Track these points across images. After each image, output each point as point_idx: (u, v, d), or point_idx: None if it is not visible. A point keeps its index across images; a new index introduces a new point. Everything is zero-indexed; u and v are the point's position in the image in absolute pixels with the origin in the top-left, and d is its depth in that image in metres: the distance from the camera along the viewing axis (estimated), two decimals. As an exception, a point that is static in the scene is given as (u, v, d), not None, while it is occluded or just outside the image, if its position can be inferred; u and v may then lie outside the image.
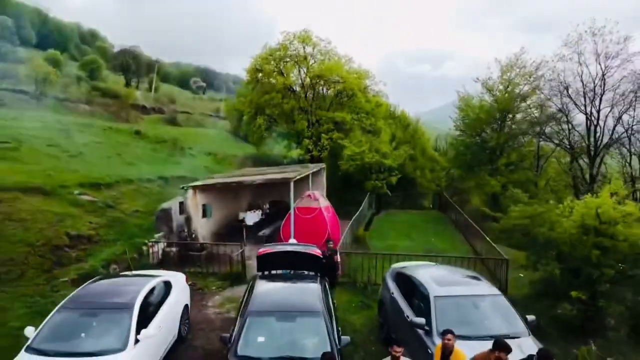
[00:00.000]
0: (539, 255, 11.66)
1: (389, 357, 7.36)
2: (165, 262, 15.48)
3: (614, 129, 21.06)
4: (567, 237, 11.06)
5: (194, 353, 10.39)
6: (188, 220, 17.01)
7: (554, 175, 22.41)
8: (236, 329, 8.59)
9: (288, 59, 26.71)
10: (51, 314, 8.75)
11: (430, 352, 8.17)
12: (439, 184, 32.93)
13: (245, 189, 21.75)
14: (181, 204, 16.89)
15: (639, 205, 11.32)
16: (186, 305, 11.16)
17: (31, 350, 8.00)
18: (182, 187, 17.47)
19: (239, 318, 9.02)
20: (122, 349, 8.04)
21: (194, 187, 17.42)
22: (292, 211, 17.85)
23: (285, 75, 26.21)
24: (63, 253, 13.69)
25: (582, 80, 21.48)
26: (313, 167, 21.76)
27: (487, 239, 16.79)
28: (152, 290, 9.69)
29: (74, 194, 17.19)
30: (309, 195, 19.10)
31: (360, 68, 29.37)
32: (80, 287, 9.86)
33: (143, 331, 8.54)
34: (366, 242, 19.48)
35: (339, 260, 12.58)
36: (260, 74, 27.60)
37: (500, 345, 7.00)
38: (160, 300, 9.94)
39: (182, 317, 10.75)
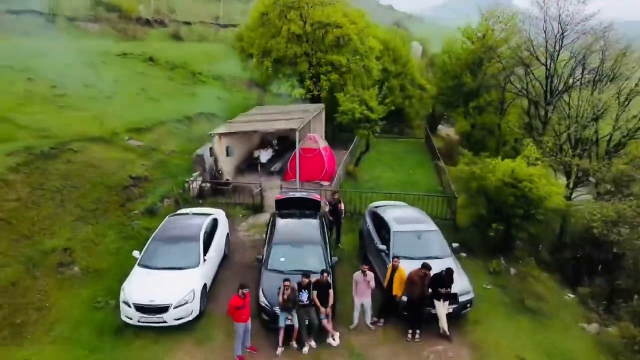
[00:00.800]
0: (473, 199, 16.34)
1: (359, 271, 12.29)
2: (201, 195, 20.25)
3: (567, 79, 24.74)
4: (492, 188, 15.63)
5: (235, 266, 15.39)
6: (216, 160, 21.52)
7: (515, 119, 26.35)
8: (265, 253, 13.52)
9: (291, 4, 29.45)
10: (147, 243, 13.57)
11: (384, 271, 13.10)
12: (426, 112, 37.00)
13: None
14: (211, 149, 21.27)
15: (544, 166, 15.78)
16: (227, 234, 16.04)
17: (141, 265, 12.89)
18: (210, 134, 21.76)
19: (266, 245, 13.94)
20: (197, 265, 12.94)
21: (219, 134, 21.71)
22: (297, 152, 22.26)
23: (289, 21, 29.14)
24: (130, 191, 18.35)
25: (545, 37, 24.84)
26: (313, 111, 25.79)
27: (448, 177, 21.43)
28: (207, 226, 14.45)
29: (125, 140, 21.56)
30: (310, 138, 23.40)
31: (357, 9, 32.19)
32: (161, 224, 14.63)
33: (207, 255, 13.46)
34: (356, 175, 24.16)
35: (342, 207, 17.04)
36: (266, 17, 30.46)
37: (425, 266, 11.88)
38: (212, 232, 14.72)
39: (225, 242, 15.68)
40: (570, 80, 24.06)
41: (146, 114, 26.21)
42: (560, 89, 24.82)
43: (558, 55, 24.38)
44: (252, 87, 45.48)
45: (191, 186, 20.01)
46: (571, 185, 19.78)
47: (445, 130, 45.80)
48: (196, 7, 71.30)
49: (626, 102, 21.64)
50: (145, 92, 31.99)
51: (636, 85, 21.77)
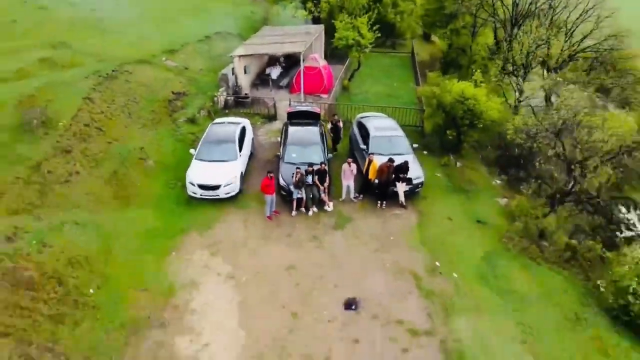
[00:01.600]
0: (434, 112, 21.66)
1: (346, 162, 18.01)
2: (226, 107, 25.49)
3: (530, 4, 28.66)
4: (448, 104, 20.87)
5: (259, 161, 21.05)
6: (236, 78, 26.45)
7: (484, 41, 30.41)
8: (282, 151, 19.18)
9: None
10: (199, 144, 19.09)
11: (364, 162, 18.81)
12: (414, 30, 40.72)
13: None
14: (232, 69, 26.10)
15: (490, 87, 20.90)
16: (252, 137, 21.57)
17: (197, 159, 18.53)
18: (231, 56, 26.45)
19: (282, 146, 19.54)
20: (235, 159, 18.58)
21: (239, 56, 26.40)
22: (301, 70, 27.09)
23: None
24: (174, 104, 23.59)
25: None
26: (314, 33, 30.12)
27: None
28: (239, 132, 19.90)
29: (162, 61, 26.35)
30: (312, 58, 28.08)
31: None
32: (206, 130, 20.05)
33: (241, 152, 19.10)
34: (349, 89, 29.16)
35: (341, 125, 22.16)
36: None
37: (390, 159, 17.57)
38: (243, 136, 20.16)
39: (252, 143, 21.26)
40: (533, 7, 28.11)
41: (172, 35, 30.57)
42: (523, 14, 28.91)
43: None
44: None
45: (218, 99, 25.20)
46: (516, 102, 24.87)
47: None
48: None
49: (571, 29, 26.03)
50: (164, 12, 35.85)
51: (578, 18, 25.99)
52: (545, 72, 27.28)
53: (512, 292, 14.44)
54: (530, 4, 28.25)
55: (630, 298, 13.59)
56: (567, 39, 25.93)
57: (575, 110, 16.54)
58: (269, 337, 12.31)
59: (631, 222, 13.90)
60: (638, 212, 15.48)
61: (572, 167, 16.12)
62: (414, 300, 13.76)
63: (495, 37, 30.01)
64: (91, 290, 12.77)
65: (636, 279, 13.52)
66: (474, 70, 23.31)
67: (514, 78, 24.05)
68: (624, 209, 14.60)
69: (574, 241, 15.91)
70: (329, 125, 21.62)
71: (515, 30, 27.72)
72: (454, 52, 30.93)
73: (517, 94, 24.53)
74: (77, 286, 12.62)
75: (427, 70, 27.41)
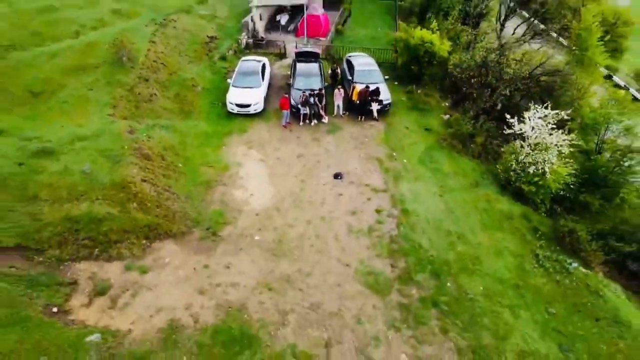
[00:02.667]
0: (402, 51, 28.36)
1: (337, 89, 25.12)
2: (247, 48, 32.01)
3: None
4: (412, 46, 27.52)
5: (275, 87, 27.91)
6: (254, 24, 32.78)
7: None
8: (292, 80, 26.18)
9: None
10: (234, 75, 25.96)
11: (349, 89, 25.89)
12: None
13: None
14: (251, 17, 32.38)
15: (443, 34, 27.56)
16: (270, 71, 28.40)
17: (233, 86, 25.52)
18: (250, 6, 32.60)
19: (291, 77, 26.51)
20: (260, 86, 25.58)
21: (256, 6, 32.55)
22: (304, 17, 33.34)
23: None
24: (209, 45, 30.16)
25: None
26: (315, -15, 36.02)
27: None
28: (261, 66, 26.74)
29: (198, 12, 32.55)
30: (313, 7, 34.22)
31: None
32: (238, 64, 26.83)
33: (263, 81, 26.09)
34: (342, 32, 35.50)
35: (338, 71, 28.76)
36: None
37: (367, 86, 24.70)
38: (264, 69, 27.00)
39: (270, 75, 28.13)
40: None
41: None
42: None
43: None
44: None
45: (241, 42, 31.72)
46: (469, 44, 31.34)
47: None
48: None
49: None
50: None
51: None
52: (495, 20, 33.68)
53: (439, 170, 22.08)
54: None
55: (511, 173, 21.22)
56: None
57: (490, 51, 23.41)
58: (288, 192, 19.99)
59: (512, 123, 21.10)
60: (518, 118, 22.39)
61: (487, 90, 23.22)
62: (377, 173, 21.40)
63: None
64: (180, 165, 20.34)
65: (514, 161, 21.07)
66: (434, 19, 29.78)
67: (466, 26, 30.52)
68: (508, 116, 21.66)
69: (481, 139, 23.40)
70: (329, 71, 28.26)
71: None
72: (426, 1, 36.88)
73: (470, 37, 31.04)
74: (172, 161, 20.17)
75: (403, 19, 33.69)
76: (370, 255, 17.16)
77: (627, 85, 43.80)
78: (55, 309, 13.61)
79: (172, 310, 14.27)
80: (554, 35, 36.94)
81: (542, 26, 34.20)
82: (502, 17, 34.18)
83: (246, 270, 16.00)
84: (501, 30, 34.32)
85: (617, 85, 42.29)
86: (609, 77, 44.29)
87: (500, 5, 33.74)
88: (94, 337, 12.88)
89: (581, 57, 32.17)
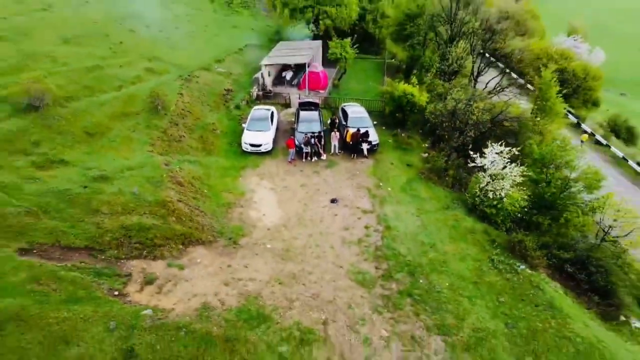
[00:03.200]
0: (389, 102, 33.37)
1: (333, 132, 29.90)
2: (258, 99, 37.12)
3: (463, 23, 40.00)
4: (397, 97, 32.54)
5: (281, 131, 32.69)
6: (263, 79, 38.09)
7: (430, 54, 41.72)
8: (296, 124, 31.07)
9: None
10: (248, 120, 30.83)
11: (344, 132, 30.71)
12: (389, 38, 52.16)
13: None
14: (261, 73, 37.72)
15: (424, 87, 32.73)
16: (277, 117, 33.26)
17: (247, 130, 30.27)
18: (260, 65, 38.00)
19: (296, 122, 31.38)
20: (269, 130, 30.36)
21: (265, 65, 37.96)
22: (306, 73, 38.69)
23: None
24: (226, 97, 35.25)
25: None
26: (315, 47, 41.68)
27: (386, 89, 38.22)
28: (270, 113, 31.64)
29: (215, 68, 37.95)
30: (314, 66, 39.69)
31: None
32: (251, 111, 31.80)
33: (272, 126, 30.92)
34: (338, 86, 40.81)
35: (336, 120, 33.68)
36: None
37: (358, 129, 29.48)
38: (272, 116, 31.86)
39: (277, 120, 32.99)
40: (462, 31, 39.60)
41: (217, 48, 42.18)
42: (454, 37, 40.38)
43: (454, 18, 39.52)
44: (269, 12, 59.61)
45: (252, 94, 36.87)
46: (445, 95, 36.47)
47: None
48: None
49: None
50: (207, 29, 47.37)
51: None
52: (471, 77, 39.07)
53: (417, 196, 26.39)
54: (459, 29, 39.80)
55: (476, 199, 25.48)
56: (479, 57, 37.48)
57: (459, 102, 28.39)
58: (293, 212, 24.20)
59: (475, 158, 25.58)
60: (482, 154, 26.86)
61: (456, 133, 27.96)
62: (365, 199, 25.70)
63: (439, 50, 41.62)
64: (205, 190, 24.68)
65: (478, 189, 25.39)
66: (415, 75, 35.05)
67: (441, 80, 35.75)
68: (472, 152, 26.19)
69: (452, 172, 27.90)
70: (329, 120, 33.10)
71: (449, 47, 39.28)
72: (410, 60, 42.41)
73: (445, 90, 36.19)
74: (199, 187, 24.53)
75: (391, 75, 39.15)
76: (359, 260, 21.19)
77: (592, 132, 48.93)
78: (116, 292, 17.54)
79: (204, 296, 18.17)
80: (519, 89, 42.29)
81: (513, 78, 39.44)
82: (476, 73, 39.58)
83: (261, 269, 19.99)
84: (475, 84, 39.63)
85: (584, 132, 47.45)
86: (578, 125, 49.44)
87: (472, 64, 39.17)
88: (148, 312, 16.74)
89: (543, 106, 37.25)
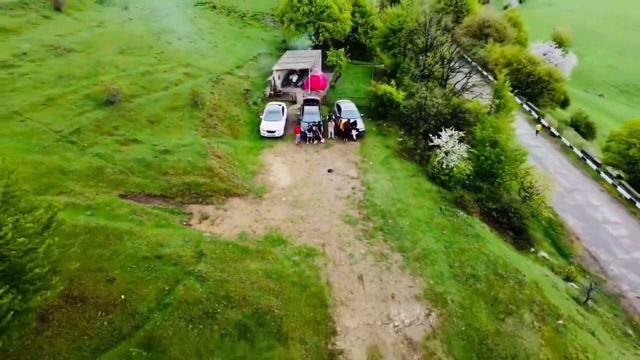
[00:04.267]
0: (373, 99, 41.37)
1: (330, 121, 38.03)
2: (270, 97, 45.11)
3: (434, 40, 48.02)
4: (379, 95, 40.53)
5: (290, 121, 40.69)
6: (275, 81, 46.09)
7: (409, 61, 49.82)
8: (301, 116, 39.17)
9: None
10: (264, 112, 38.87)
11: (338, 122, 38.83)
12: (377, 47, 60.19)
13: (290, 63, 50.08)
14: (273, 77, 45.71)
15: (401, 87, 40.72)
16: (287, 111, 41.28)
17: (264, 120, 38.30)
18: (272, 70, 45.96)
19: (301, 114, 39.50)
20: (281, 120, 38.41)
21: (276, 70, 45.94)
22: (309, 77, 46.68)
23: (304, 5, 51.65)
24: (246, 95, 43.23)
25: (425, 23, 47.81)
26: (316, 55, 49.69)
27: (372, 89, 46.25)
28: (282, 107, 39.69)
29: (236, 73, 45.97)
30: (314, 70, 47.69)
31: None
32: (266, 106, 39.80)
33: (283, 117, 39.02)
34: (335, 87, 48.83)
35: (333, 116, 41.88)
36: (292, 2, 52.88)
37: (348, 119, 37.59)
38: (283, 110, 39.88)
39: (287, 113, 41.00)
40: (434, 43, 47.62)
41: (236, 56, 50.17)
42: (429, 46, 48.37)
43: (428, 33, 47.50)
44: (277, 24, 67.57)
45: (265, 93, 44.85)
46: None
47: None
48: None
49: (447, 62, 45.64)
50: (226, 40, 55.38)
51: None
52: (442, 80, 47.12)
53: (392, 168, 34.40)
54: (432, 41, 47.84)
55: (434, 169, 33.46)
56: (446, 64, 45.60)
57: (424, 98, 36.53)
58: (300, 178, 32.18)
59: (433, 139, 33.65)
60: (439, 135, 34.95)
61: (422, 122, 36.06)
62: (353, 169, 33.70)
63: (417, 58, 49.67)
64: (236, 162, 32.71)
65: (436, 162, 33.38)
66: (397, 78, 43.09)
67: (417, 82, 43.86)
68: (431, 135, 34.32)
69: (419, 150, 35.97)
70: (327, 114, 40.92)
71: (423, 57, 47.32)
72: (393, 66, 50.41)
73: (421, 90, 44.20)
74: (232, 160, 32.54)
75: (378, 78, 47.30)
76: (347, 208, 29.21)
77: (549, 125, 56.88)
78: (184, 223, 25.57)
79: (241, 227, 26.18)
80: (481, 87, 50.35)
81: (487, 79, 47.45)
82: (445, 76, 47.60)
83: (278, 213, 28.03)
84: (445, 85, 47.62)
85: (539, 123, 55.29)
86: (538, 120, 57.41)
87: (442, 69, 47.19)
88: (207, 234, 24.81)
89: (499, 103, 45.29)
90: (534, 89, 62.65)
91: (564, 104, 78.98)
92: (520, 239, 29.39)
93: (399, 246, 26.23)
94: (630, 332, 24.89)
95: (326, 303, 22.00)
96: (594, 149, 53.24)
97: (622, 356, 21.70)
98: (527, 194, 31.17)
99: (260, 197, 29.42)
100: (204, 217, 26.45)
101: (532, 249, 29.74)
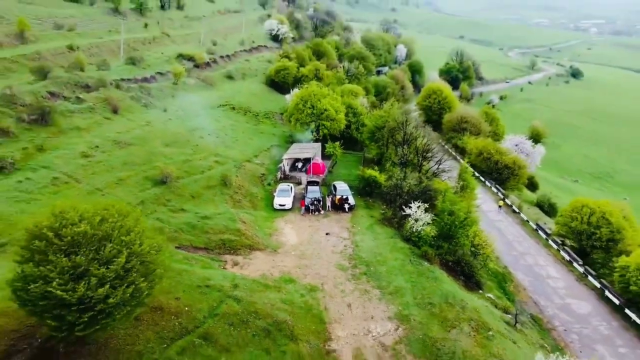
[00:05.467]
0: (362, 182, 51.90)
1: (328, 197, 48.27)
2: (280, 179, 55.74)
3: (409, 135, 59.82)
4: (366, 177, 51.10)
5: (297, 198, 50.73)
6: (284, 167, 57.06)
7: (392, 151, 61.56)
8: (305, 193, 49.53)
9: (307, 99, 65.00)
10: (277, 190, 49.23)
11: (334, 198, 49.06)
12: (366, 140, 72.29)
13: (296, 153, 61.44)
14: (283, 164, 56.74)
15: (384, 172, 51.50)
16: (294, 190, 51.61)
17: (276, 197, 48.52)
18: (282, 158, 57.11)
19: (305, 193, 49.87)
20: (289, 196, 48.61)
21: (285, 158, 57.12)
22: (311, 164, 57.71)
23: (307, 107, 64.51)
24: (262, 178, 53.84)
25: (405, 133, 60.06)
26: (317, 147, 61.29)
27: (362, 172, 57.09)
28: (290, 187, 50.11)
29: (254, 161, 57.10)
30: (316, 159, 58.88)
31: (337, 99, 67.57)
32: (278, 186, 50.29)
33: (291, 194, 49.30)
34: (332, 172, 59.69)
35: (332, 196, 52.44)
36: (298, 104, 65.81)
37: (341, 196, 47.86)
38: (291, 189, 50.23)
39: (294, 191, 51.30)
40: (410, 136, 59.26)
41: (253, 147, 61.75)
42: (406, 140, 60.02)
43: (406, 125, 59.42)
44: (284, 122, 79.94)
45: (277, 176, 55.51)
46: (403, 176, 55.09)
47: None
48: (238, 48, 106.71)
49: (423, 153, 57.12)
50: (244, 134, 67.54)
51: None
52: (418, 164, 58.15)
53: (375, 232, 43.78)
54: (408, 137, 59.50)
55: (407, 232, 42.85)
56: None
57: (399, 180, 47.02)
58: (305, 239, 41.46)
59: (407, 209, 43.39)
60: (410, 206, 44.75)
61: (398, 198, 46.29)
62: (346, 232, 43.12)
63: (396, 149, 61.08)
64: (257, 227, 42.25)
65: (409, 227, 42.85)
66: (381, 164, 54.02)
67: (397, 168, 54.68)
68: (404, 207, 44.21)
69: (396, 219, 45.59)
70: (327, 195, 51.28)
71: (401, 148, 58.71)
72: (378, 155, 61.79)
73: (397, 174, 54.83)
74: (253, 225, 42.12)
75: (367, 164, 58.71)
76: (340, 259, 38.24)
77: (511, 203, 66.66)
78: (222, 267, 34.58)
79: (262, 270, 35.05)
80: (448, 172, 61.24)
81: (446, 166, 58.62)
82: (419, 163, 58.66)
83: (289, 262, 37.03)
84: (420, 169, 58.47)
85: (502, 199, 65.26)
86: (503, 198, 67.29)
87: (416, 157, 58.38)
88: (238, 274, 33.80)
89: (462, 184, 55.82)
90: (502, 174, 73.73)
91: (533, 187, 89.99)
92: (470, 282, 38.11)
93: (378, 285, 34.97)
94: (546, 345, 32.89)
95: (324, 320, 30.46)
96: (552, 224, 62.83)
97: (534, 356, 29.69)
98: (475, 249, 40.41)
99: (275, 251, 38.62)
100: (235, 264, 35.54)
101: (481, 291, 38.32)
